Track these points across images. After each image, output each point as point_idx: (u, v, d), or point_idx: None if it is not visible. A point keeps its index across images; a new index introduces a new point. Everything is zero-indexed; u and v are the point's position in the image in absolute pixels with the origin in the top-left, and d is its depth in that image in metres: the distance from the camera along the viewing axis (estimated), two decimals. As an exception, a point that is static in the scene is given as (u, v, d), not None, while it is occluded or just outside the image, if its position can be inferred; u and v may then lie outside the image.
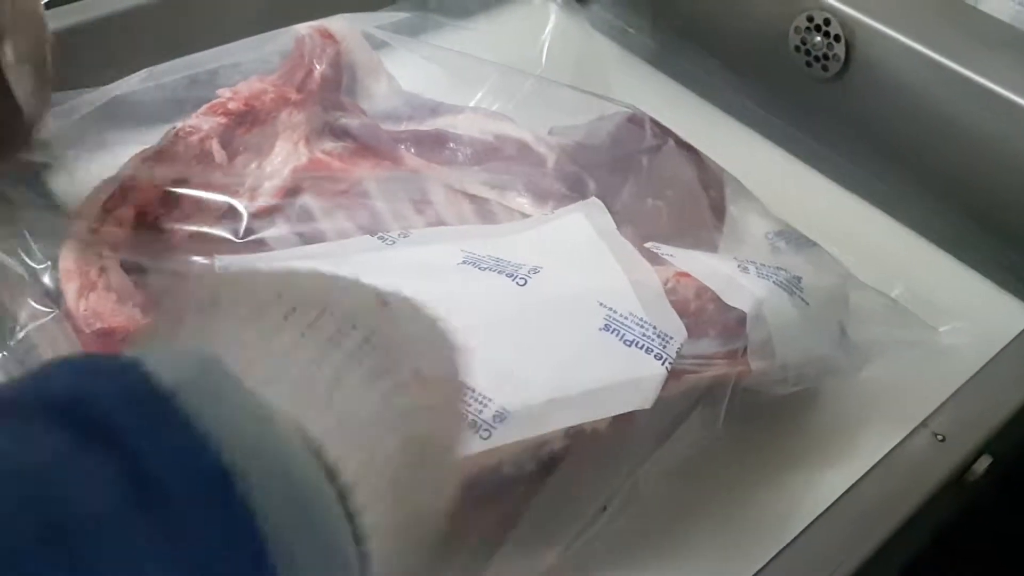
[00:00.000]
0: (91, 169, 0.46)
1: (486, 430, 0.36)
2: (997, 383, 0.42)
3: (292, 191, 0.50)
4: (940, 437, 0.39)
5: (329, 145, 0.53)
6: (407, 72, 0.57)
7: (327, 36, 0.53)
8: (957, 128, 0.59)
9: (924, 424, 0.40)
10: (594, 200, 0.48)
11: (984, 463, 0.40)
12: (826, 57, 0.64)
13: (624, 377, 0.39)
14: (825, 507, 0.39)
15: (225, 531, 0.18)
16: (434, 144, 0.55)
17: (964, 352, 0.49)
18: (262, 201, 0.49)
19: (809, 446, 0.45)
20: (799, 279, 0.44)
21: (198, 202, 0.47)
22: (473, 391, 0.37)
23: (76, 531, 0.16)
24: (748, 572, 0.36)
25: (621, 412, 0.37)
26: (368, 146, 0.53)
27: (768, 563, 0.36)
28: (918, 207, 0.61)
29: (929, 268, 0.58)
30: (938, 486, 0.38)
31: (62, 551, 0.16)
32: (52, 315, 0.42)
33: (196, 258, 0.44)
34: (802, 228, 0.51)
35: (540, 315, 0.40)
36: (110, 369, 0.19)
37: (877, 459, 0.41)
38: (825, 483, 0.42)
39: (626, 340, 0.39)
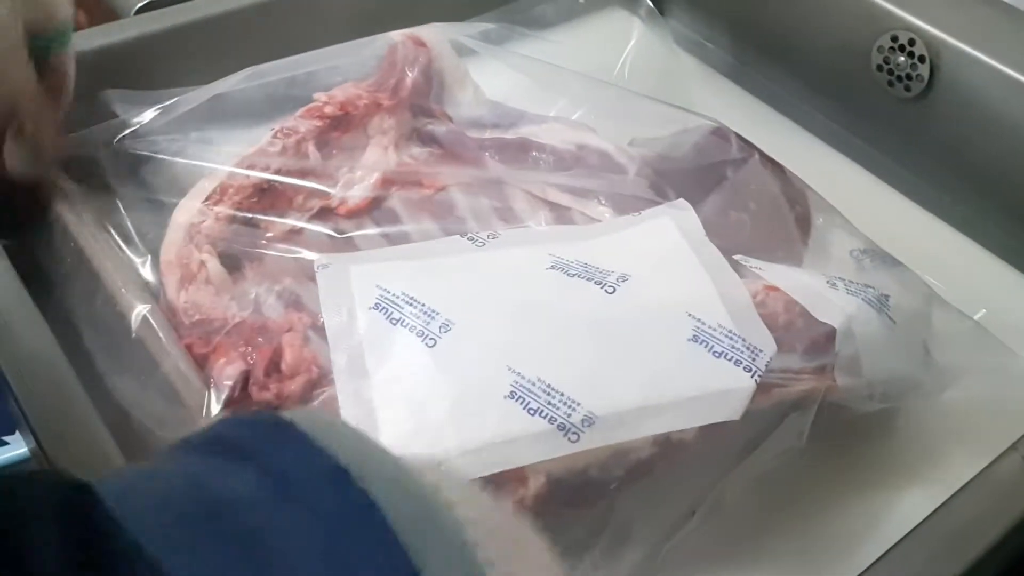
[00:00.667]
0: (193, 165, 0.47)
1: (574, 433, 0.36)
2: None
3: (381, 194, 0.51)
4: (1031, 462, 0.39)
5: (416, 150, 0.54)
6: (492, 80, 0.58)
7: (419, 44, 0.54)
8: (1042, 152, 0.58)
9: (1014, 447, 0.40)
10: (681, 202, 0.49)
11: (1075, 490, 0.39)
12: (909, 77, 0.64)
13: (712, 388, 0.39)
14: (908, 528, 0.39)
15: (345, 510, 0.21)
16: (517, 152, 0.55)
17: (1048, 377, 0.48)
18: (352, 202, 0.50)
19: (892, 465, 0.45)
20: (887, 297, 0.44)
21: (293, 200, 0.48)
22: (562, 395, 0.37)
23: (226, 509, 0.21)
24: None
25: (709, 423, 0.37)
26: (453, 152, 0.54)
27: (852, 581, 0.36)
28: (1001, 231, 0.60)
29: (1011, 292, 0.58)
30: (1028, 511, 0.38)
31: (218, 521, 0.20)
32: (149, 308, 0.43)
33: (293, 253, 0.45)
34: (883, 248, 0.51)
35: (629, 324, 0.41)
36: (248, 416, 0.26)
37: (961, 482, 0.41)
38: (908, 504, 0.42)
39: (715, 352, 0.40)
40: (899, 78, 0.65)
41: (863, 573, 0.36)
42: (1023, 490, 0.38)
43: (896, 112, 0.65)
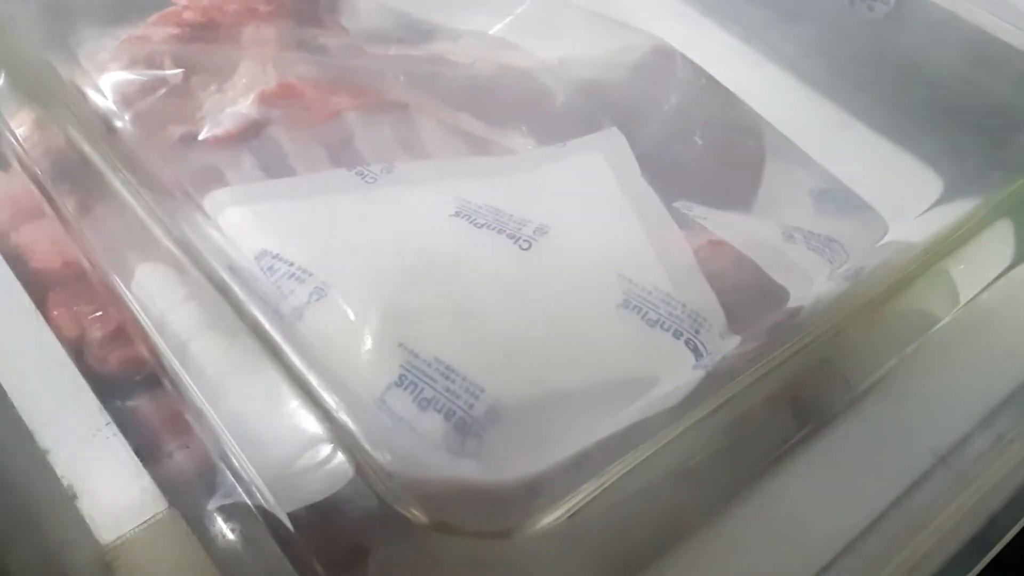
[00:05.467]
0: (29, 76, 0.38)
1: (476, 434, 0.29)
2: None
3: (257, 120, 0.42)
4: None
5: (303, 68, 0.45)
6: (398, -14, 0.50)
7: (305, -63, 0.45)
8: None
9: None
10: (613, 131, 0.41)
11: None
12: (874, -5, 0.57)
13: (646, 365, 0.32)
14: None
15: None
16: (426, 72, 0.48)
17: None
18: (222, 129, 0.42)
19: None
20: (847, 253, 0.37)
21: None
22: (464, 379, 0.30)
23: None
24: None
25: (640, 415, 0.30)
26: (349, 71, 0.46)
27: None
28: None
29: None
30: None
31: None
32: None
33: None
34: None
35: (546, 287, 0.33)
36: None
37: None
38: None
39: (649, 320, 0.33)
40: (863, -5, 0.58)
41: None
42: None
43: (861, 34, 0.58)
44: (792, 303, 0.33)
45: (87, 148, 0.32)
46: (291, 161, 0.43)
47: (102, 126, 0.35)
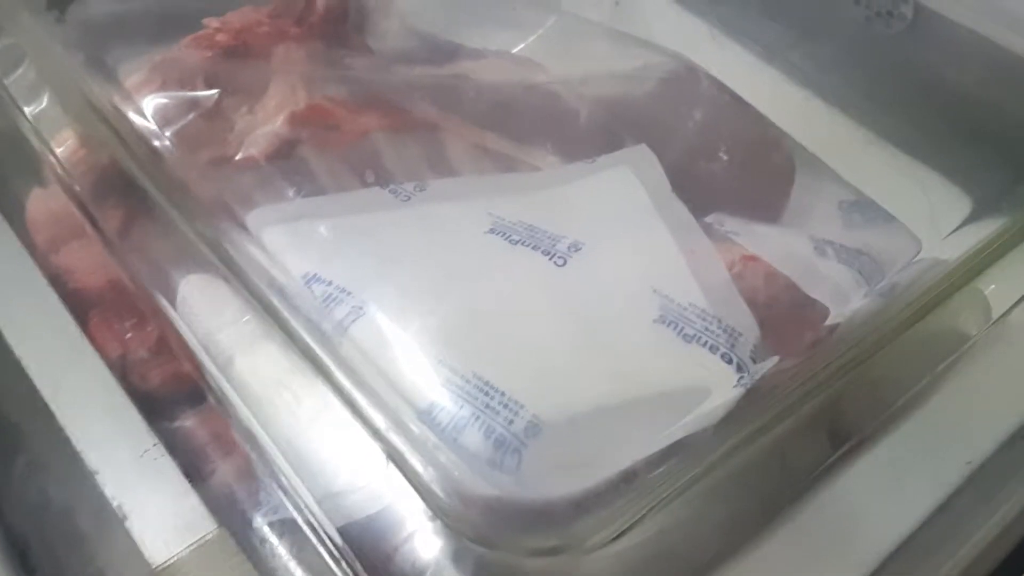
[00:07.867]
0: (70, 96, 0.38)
1: (515, 451, 0.29)
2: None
3: (288, 140, 0.43)
4: None
5: (332, 88, 0.46)
6: (422, 7, 0.50)
7: (332, -40, 0.46)
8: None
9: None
10: (643, 148, 0.42)
11: None
12: (890, 13, 0.57)
13: (684, 380, 0.32)
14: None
15: None
16: (452, 92, 0.48)
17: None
18: (253, 150, 0.42)
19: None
20: (882, 269, 0.38)
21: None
22: (503, 394, 0.30)
23: None
24: None
25: (681, 432, 0.30)
26: (376, 92, 0.46)
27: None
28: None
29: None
30: None
31: None
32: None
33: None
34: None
35: (582, 303, 0.34)
36: None
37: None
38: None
39: (686, 335, 0.33)
40: (879, 14, 0.58)
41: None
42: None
43: (877, 50, 0.59)
44: (830, 320, 0.33)
45: (132, 167, 0.32)
46: (321, 181, 0.43)
47: (144, 146, 0.36)
